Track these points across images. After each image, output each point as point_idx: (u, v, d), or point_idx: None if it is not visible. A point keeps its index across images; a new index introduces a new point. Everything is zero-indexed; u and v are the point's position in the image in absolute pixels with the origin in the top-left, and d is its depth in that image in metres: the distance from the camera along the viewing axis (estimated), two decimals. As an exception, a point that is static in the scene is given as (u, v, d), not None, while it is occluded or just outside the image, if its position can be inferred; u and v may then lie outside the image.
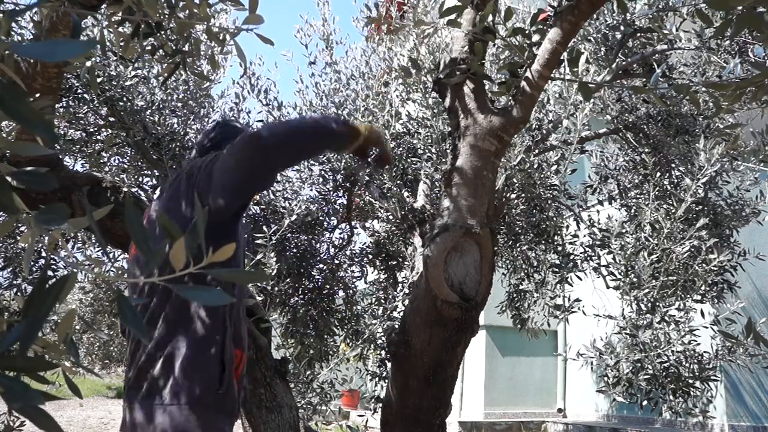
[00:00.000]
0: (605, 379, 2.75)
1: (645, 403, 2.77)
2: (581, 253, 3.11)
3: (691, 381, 2.78)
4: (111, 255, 3.49)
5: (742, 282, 6.21)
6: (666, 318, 2.74)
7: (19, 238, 3.13)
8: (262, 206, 3.58)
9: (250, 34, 1.43)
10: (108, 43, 2.59)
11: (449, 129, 2.46)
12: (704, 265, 2.77)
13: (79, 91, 3.09)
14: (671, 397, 2.76)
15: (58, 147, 2.85)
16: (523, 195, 2.89)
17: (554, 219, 3.03)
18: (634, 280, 2.74)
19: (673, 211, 2.83)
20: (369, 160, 1.62)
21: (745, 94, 1.43)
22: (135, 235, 0.64)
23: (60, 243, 0.84)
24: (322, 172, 3.54)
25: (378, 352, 3.67)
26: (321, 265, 3.71)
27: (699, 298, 2.98)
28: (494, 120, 1.93)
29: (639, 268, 2.70)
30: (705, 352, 2.92)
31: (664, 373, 2.71)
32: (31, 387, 0.54)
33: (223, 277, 0.64)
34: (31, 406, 0.54)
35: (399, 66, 2.97)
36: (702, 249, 2.79)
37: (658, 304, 2.73)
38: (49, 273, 3.00)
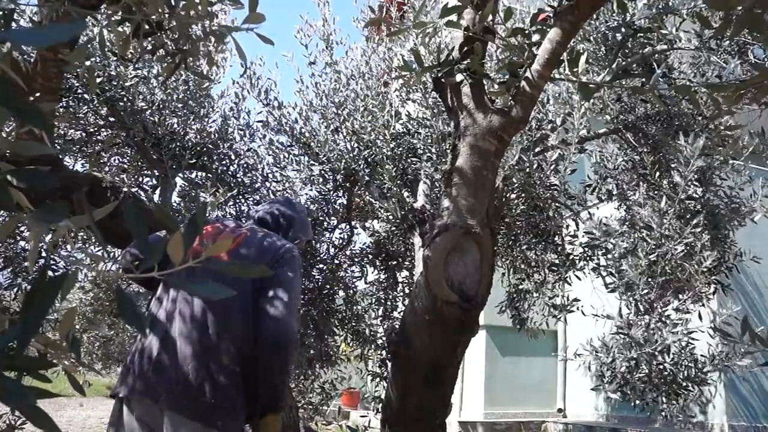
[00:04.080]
0: (600, 377, 2.74)
1: (638, 402, 2.77)
2: (580, 253, 3.11)
3: (685, 384, 2.78)
4: (111, 254, 3.49)
5: (743, 282, 6.22)
6: (662, 319, 2.74)
7: (18, 237, 3.13)
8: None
9: (250, 33, 1.43)
10: (108, 43, 2.59)
11: (449, 129, 2.45)
12: (697, 266, 2.76)
13: (79, 91, 3.09)
14: (664, 399, 2.76)
15: (58, 148, 2.85)
16: (522, 195, 2.89)
17: (554, 219, 3.03)
18: (628, 280, 2.74)
19: (666, 209, 2.82)
20: None
21: (745, 96, 1.43)
22: (136, 233, 0.65)
23: (60, 242, 0.84)
24: (322, 172, 3.54)
25: (378, 352, 3.67)
26: (321, 265, 3.72)
27: (695, 299, 2.98)
28: (494, 120, 1.94)
29: (634, 268, 2.70)
30: (702, 355, 2.91)
31: (659, 375, 2.71)
32: (26, 386, 0.54)
33: (223, 270, 0.65)
34: (27, 405, 0.54)
35: (400, 61, 2.97)
36: (697, 248, 2.79)
37: (654, 304, 2.73)
38: (49, 273, 2.99)
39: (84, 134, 3.36)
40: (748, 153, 3.25)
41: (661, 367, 2.72)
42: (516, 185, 2.81)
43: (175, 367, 1.61)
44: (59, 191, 2.27)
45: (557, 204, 3.03)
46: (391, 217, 3.11)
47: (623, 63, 3.07)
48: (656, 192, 3.12)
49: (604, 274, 2.96)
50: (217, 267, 0.65)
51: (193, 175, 3.62)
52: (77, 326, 4.10)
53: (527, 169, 2.74)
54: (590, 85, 1.84)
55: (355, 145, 3.37)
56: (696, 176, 2.77)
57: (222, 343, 1.67)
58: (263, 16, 1.34)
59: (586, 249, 3.08)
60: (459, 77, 2.00)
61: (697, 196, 2.98)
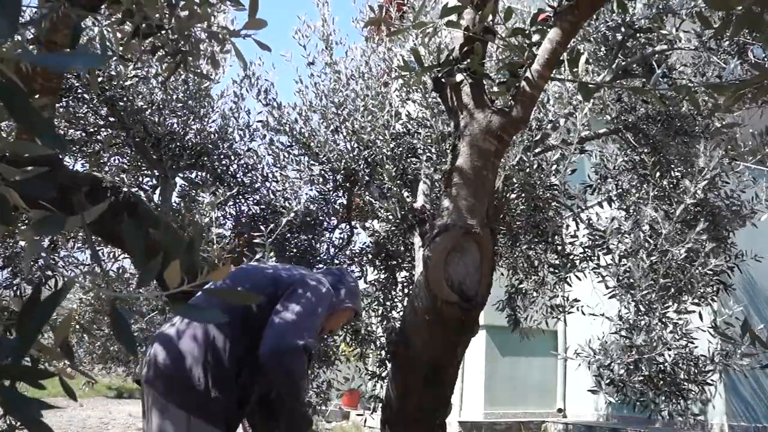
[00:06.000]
0: (598, 379, 2.74)
1: (638, 404, 2.76)
2: (580, 253, 3.11)
3: (686, 385, 2.77)
4: (111, 255, 3.49)
5: (744, 282, 6.20)
6: (663, 320, 2.74)
7: (18, 237, 3.13)
8: (262, 206, 3.58)
9: (248, 38, 1.43)
10: (108, 43, 2.59)
11: (449, 129, 2.45)
12: (701, 268, 2.76)
13: (79, 91, 3.09)
14: (663, 398, 2.76)
15: (64, 151, 2.84)
16: (523, 195, 2.88)
17: (554, 219, 3.02)
18: (630, 281, 2.73)
19: (671, 211, 2.82)
20: None
21: (745, 96, 1.43)
22: (133, 248, 0.64)
23: (58, 243, 0.84)
24: (322, 172, 3.54)
25: (378, 352, 3.67)
26: (321, 265, 3.71)
27: (696, 301, 2.98)
28: (494, 120, 1.93)
29: (636, 269, 2.69)
30: (702, 355, 2.90)
31: (659, 375, 2.70)
32: (29, 398, 0.54)
33: (216, 295, 0.65)
34: (29, 418, 0.54)
35: (400, 61, 2.97)
36: (700, 252, 2.78)
37: (654, 305, 2.72)
38: (48, 273, 2.99)
39: (84, 134, 3.36)
40: (752, 155, 3.24)
41: (662, 367, 2.72)
42: (516, 185, 2.81)
43: (156, 351, 1.67)
44: (59, 192, 2.26)
45: (557, 204, 3.03)
46: (391, 217, 3.11)
47: (623, 63, 3.07)
48: (658, 192, 3.11)
49: (605, 274, 2.96)
50: (212, 291, 0.65)
51: (193, 175, 3.62)
52: (77, 326, 4.09)
53: (527, 169, 2.73)
54: (590, 85, 1.84)
55: (355, 145, 3.36)
56: (705, 182, 2.76)
57: (211, 339, 1.66)
58: (264, 22, 1.33)
59: (587, 249, 3.08)
60: (459, 77, 1.99)
61: (703, 200, 2.97)
